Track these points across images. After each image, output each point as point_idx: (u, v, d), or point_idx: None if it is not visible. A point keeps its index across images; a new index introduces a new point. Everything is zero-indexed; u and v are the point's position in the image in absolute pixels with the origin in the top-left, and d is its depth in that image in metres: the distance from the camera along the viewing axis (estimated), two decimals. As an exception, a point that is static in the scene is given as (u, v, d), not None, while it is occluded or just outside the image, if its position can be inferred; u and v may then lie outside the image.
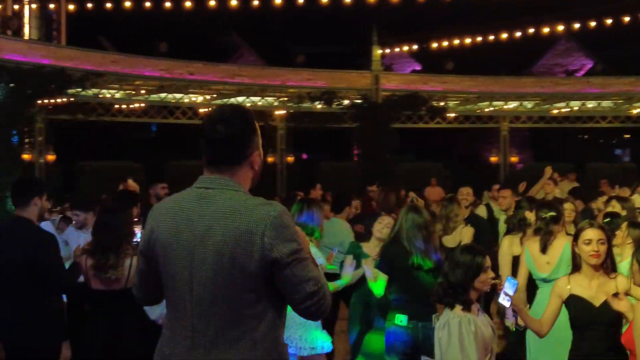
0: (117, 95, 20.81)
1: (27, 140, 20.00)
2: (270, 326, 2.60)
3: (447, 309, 4.33)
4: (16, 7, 32.34)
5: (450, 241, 7.51)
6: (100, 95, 20.28)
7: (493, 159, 27.46)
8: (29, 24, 36.57)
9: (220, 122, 2.68)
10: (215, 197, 2.61)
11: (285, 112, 24.57)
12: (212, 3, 23.25)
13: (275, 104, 23.04)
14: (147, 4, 24.46)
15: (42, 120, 22.77)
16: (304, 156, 35.38)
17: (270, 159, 26.46)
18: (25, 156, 22.76)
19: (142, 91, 20.79)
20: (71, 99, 20.92)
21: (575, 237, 4.51)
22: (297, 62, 23.04)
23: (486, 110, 24.20)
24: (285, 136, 25.93)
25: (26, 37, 36.23)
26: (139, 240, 6.09)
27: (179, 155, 28.23)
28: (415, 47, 22.02)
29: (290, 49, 37.43)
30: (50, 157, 23.46)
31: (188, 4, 24.03)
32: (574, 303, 4.41)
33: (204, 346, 2.56)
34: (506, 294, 4.35)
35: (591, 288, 4.41)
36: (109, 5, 24.43)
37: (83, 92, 18.97)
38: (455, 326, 4.20)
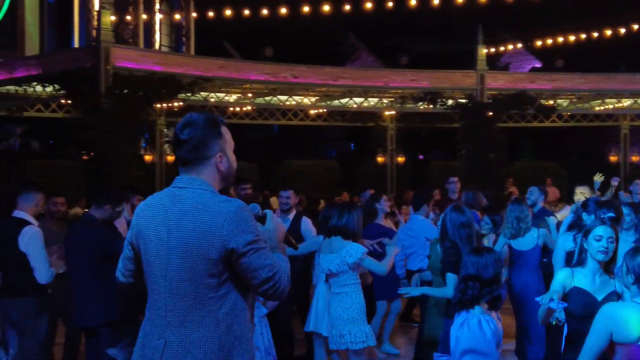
0: (227, 99, 21.73)
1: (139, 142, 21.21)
2: (232, 307, 2.96)
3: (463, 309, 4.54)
4: (145, 16, 34.49)
5: (519, 244, 7.34)
6: (212, 99, 21.27)
7: (612, 158, 26.47)
8: (160, 31, 38.87)
9: (186, 126, 3.03)
10: (185, 195, 2.97)
11: (394, 112, 24.76)
12: (327, 8, 23.89)
13: (384, 103, 23.24)
14: (265, 11, 25.47)
15: (163, 123, 24.24)
16: (421, 157, 35.39)
17: (380, 159, 26.74)
18: (147, 157, 24.32)
19: (249, 94, 21.61)
20: (188, 103, 22.18)
21: (586, 234, 4.57)
22: (400, 63, 23.15)
23: (597, 108, 23.35)
24: (395, 136, 26.10)
25: (157, 45, 38.52)
26: None
27: (291, 155, 29.13)
28: (519, 45, 21.56)
29: (407, 50, 37.52)
30: (170, 158, 24.83)
31: (306, 9, 24.83)
32: (576, 294, 4.47)
33: (175, 324, 2.94)
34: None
35: (594, 283, 4.48)
36: (228, 12, 25.65)
37: (193, 97, 19.97)
38: (476, 325, 4.42)
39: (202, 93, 20.61)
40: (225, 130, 3.10)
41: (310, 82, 20.77)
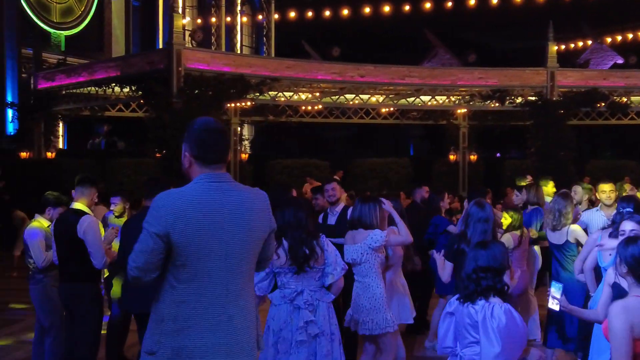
0: (295, 98, 22.24)
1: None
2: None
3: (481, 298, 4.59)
4: (229, 19, 35.50)
5: (555, 237, 7.50)
6: (282, 99, 21.82)
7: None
8: (241, 32, 39.89)
9: (222, 133, 3.49)
10: (230, 187, 3.38)
11: (465, 110, 24.73)
12: (407, 7, 24.10)
13: (452, 102, 23.26)
14: (345, 12, 25.87)
15: (237, 122, 25.00)
16: (498, 154, 35.03)
17: (452, 157, 26.75)
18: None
19: (317, 93, 22.06)
20: (259, 102, 22.86)
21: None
22: (468, 61, 23.09)
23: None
24: (467, 134, 26.05)
25: (238, 45, 39.54)
26: None
27: (362, 153, 29.38)
28: (589, 42, 21.17)
29: (489, 47, 37.15)
30: (244, 156, 25.61)
31: (386, 9, 25.12)
32: None
33: (235, 296, 3.36)
34: (554, 297, 4.66)
35: None
36: (309, 14, 26.21)
37: (261, 97, 20.57)
38: (509, 311, 4.50)
39: (270, 92, 21.13)
40: None
41: (377, 81, 21.02)
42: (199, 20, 34.95)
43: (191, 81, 18.25)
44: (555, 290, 4.62)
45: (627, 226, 4.73)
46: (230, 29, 39.09)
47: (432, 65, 34.14)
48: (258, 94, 20.11)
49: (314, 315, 5.68)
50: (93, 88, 21.18)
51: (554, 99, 21.22)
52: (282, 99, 21.76)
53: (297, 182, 24.53)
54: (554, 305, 4.65)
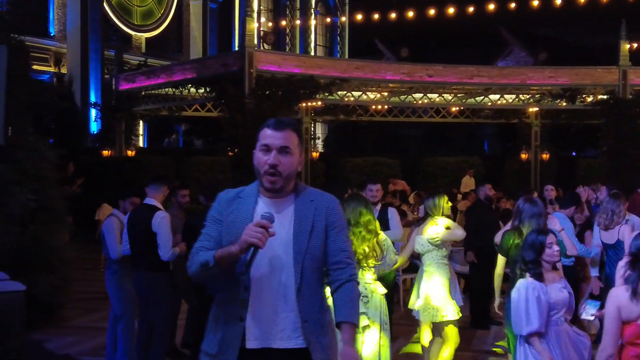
0: (364, 98, 22.61)
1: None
2: None
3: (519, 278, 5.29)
4: (298, 22, 36.13)
5: (608, 237, 7.78)
6: (351, 99, 22.23)
7: None
8: (315, 32, 40.53)
9: None
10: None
11: (537, 109, 24.61)
12: (492, 7, 24.13)
13: (521, 101, 23.18)
14: (432, 12, 26.03)
15: (310, 121, 25.59)
16: (573, 153, 34.58)
17: (524, 156, 26.63)
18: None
19: (385, 93, 22.38)
20: (330, 102, 23.36)
21: None
22: (539, 59, 22.97)
23: None
24: (539, 133, 25.91)
25: (312, 46, 40.15)
26: None
27: (435, 152, 29.51)
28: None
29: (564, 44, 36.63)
30: (315, 155, 26.18)
31: (451, 10, 25.22)
32: None
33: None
34: (589, 313, 5.20)
35: None
36: (384, 15, 26.51)
37: (330, 97, 21.03)
38: (523, 289, 5.13)
39: (339, 92, 21.57)
40: (261, 131, 3.37)
41: (446, 81, 21.19)
42: (270, 24, 35.84)
43: (263, 82, 18.83)
44: (590, 308, 5.00)
45: None
46: (305, 29, 39.86)
47: (506, 63, 34.04)
48: (327, 94, 20.55)
49: (366, 307, 6.00)
50: (170, 89, 22.08)
51: (627, 97, 20.94)
52: (351, 99, 22.15)
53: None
54: (588, 316, 5.02)
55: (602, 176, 21.17)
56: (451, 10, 24.56)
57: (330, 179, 25.93)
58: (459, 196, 19.90)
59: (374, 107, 24.66)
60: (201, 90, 21.01)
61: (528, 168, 26.24)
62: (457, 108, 24.50)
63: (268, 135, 3.30)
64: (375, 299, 6.08)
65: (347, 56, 40.90)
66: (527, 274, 5.18)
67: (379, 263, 6.11)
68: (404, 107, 24.41)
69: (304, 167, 25.26)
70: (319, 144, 36.92)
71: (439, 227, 7.10)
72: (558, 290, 5.16)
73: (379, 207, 8.58)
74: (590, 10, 23.97)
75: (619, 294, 4.10)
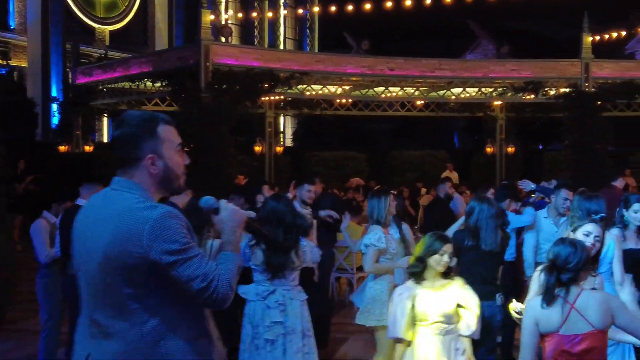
0: (325, 92, 22.30)
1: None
2: (162, 321, 2.70)
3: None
4: (270, 14, 35.70)
5: None
6: (312, 92, 21.93)
7: None
8: (284, 25, 40.09)
9: (120, 123, 2.84)
10: (114, 197, 2.78)
11: (500, 102, 24.47)
12: None
13: (484, 94, 23.00)
14: (388, 4, 25.71)
15: (272, 115, 25.26)
16: (540, 147, 34.49)
17: (489, 150, 26.52)
18: (257, 148, 25.47)
19: (346, 87, 22.11)
20: (294, 96, 23.05)
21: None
22: (501, 53, 22.79)
23: None
24: (504, 126, 25.81)
25: (280, 38, 39.71)
26: None
27: (405, 146, 29.36)
28: (624, 33, 20.65)
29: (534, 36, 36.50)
30: (279, 149, 25.88)
31: (419, 1, 24.92)
32: None
33: (98, 336, 2.75)
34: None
35: None
36: (350, 7, 26.16)
37: (290, 90, 20.71)
38: (396, 294, 5.02)
39: (300, 86, 21.26)
40: (164, 130, 2.85)
41: (408, 74, 20.94)
42: (240, 15, 35.33)
43: (220, 76, 18.46)
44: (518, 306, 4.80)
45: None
46: (274, 22, 39.39)
47: (475, 56, 33.90)
48: (287, 88, 20.24)
49: (284, 314, 5.78)
50: (127, 83, 21.63)
51: (589, 90, 20.82)
52: (312, 92, 21.84)
53: (334, 175, 24.77)
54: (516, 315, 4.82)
55: (565, 170, 21.12)
56: (419, 2, 24.24)
57: (296, 173, 25.70)
58: (423, 190, 19.75)
59: (338, 101, 24.39)
60: (157, 84, 20.58)
61: (494, 162, 26.14)
62: (422, 102, 24.28)
63: (175, 133, 2.92)
64: (293, 306, 5.84)
65: (316, 49, 40.54)
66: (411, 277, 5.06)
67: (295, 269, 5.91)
68: (368, 101, 24.14)
69: (268, 161, 24.98)
70: (289, 138, 36.67)
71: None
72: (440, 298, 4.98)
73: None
74: (558, 2, 23.79)
75: (535, 304, 3.86)
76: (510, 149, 26.00)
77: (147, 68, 20.34)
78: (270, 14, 36.28)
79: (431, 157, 27.38)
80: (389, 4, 24.70)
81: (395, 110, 25.07)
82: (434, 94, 22.62)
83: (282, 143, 28.39)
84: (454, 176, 21.84)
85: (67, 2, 30.05)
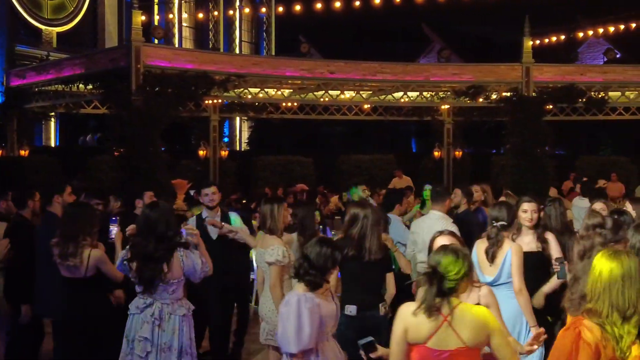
0: (262, 95, 21.93)
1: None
2: None
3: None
4: (231, 12, 35.25)
5: None
6: (248, 96, 21.56)
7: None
8: (240, 27, 39.62)
9: None
10: None
11: (447, 106, 24.29)
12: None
13: (426, 98, 22.77)
14: (337, 4, 25.39)
15: (217, 119, 24.82)
16: (493, 150, 34.45)
17: (437, 154, 26.34)
18: (202, 152, 25.05)
19: (286, 91, 21.78)
20: (233, 100, 22.66)
21: None
22: (442, 56, 22.64)
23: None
24: (452, 130, 25.64)
25: (236, 41, 39.26)
26: (112, 235, 6.95)
27: (357, 150, 29.10)
28: (563, 37, 20.57)
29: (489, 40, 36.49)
30: (224, 153, 25.43)
31: (377, 1, 24.63)
32: None
33: None
34: None
35: None
36: (300, 8, 25.80)
37: (226, 93, 20.34)
38: (295, 302, 4.59)
39: (236, 90, 20.89)
40: None
41: (348, 78, 20.65)
42: (201, 15, 34.80)
43: (151, 78, 18.05)
44: None
45: None
46: (230, 24, 38.87)
47: (428, 60, 33.79)
48: (223, 91, 19.87)
49: (160, 330, 5.51)
50: (60, 86, 21.11)
51: (530, 94, 20.71)
52: (249, 95, 21.47)
53: (281, 179, 24.42)
54: None
55: (506, 175, 21.01)
56: (377, 2, 23.91)
57: (242, 178, 25.32)
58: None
59: (284, 104, 24.03)
60: (89, 87, 20.10)
61: (442, 166, 25.97)
62: (369, 105, 24.01)
63: None
64: (172, 321, 5.56)
65: (273, 52, 40.16)
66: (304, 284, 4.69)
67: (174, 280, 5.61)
68: (314, 105, 23.82)
69: (213, 165, 24.56)
70: (245, 142, 36.22)
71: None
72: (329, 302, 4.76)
73: (218, 213, 7.90)
74: (500, 5, 23.68)
75: (408, 312, 3.64)
76: (458, 153, 25.84)
77: (79, 70, 19.86)
78: (216, 13, 35.77)
79: (379, 161, 27.16)
80: (349, 5, 24.47)
81: (342, 114, 24.80)
82: (375, 98, 22.36)
83: (238, 148, 27.90)
84: (404, 182, 21.42)
85: (12, 2, 29.37)
